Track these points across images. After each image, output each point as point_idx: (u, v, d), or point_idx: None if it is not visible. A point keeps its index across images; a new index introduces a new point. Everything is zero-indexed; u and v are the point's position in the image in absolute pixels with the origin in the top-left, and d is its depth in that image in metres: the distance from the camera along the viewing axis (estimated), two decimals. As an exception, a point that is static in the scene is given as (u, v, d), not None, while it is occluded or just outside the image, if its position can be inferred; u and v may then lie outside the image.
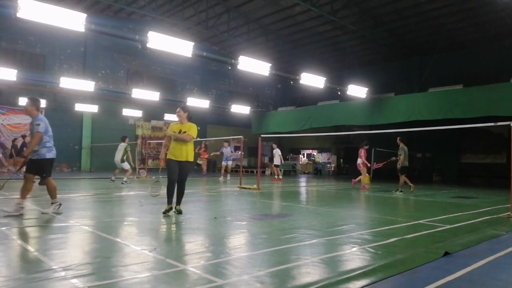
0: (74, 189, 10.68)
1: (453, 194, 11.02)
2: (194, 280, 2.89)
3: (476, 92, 14.66)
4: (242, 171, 15.16)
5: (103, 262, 3.31)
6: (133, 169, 14.24)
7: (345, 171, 27.43)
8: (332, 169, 28.08)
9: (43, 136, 5.77)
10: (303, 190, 13.32)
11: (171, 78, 25.12)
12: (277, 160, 17.41)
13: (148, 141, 21.63)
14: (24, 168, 5.91)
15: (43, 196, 7.39)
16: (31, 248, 3.72)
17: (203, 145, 20.13)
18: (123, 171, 12.99)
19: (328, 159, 30.52)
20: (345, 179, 21.33)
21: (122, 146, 12.89)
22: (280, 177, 17.70)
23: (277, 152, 17.36)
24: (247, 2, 19.52)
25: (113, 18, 21.32)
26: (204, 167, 20.62)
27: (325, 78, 16.84)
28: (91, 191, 10.15)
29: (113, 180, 13.00)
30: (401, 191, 11.26)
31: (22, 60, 19.35)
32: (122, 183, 12.48)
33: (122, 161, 12.83)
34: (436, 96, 15.81)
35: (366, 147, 13.34)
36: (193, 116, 6.63)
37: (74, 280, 2.77)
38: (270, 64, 14.88)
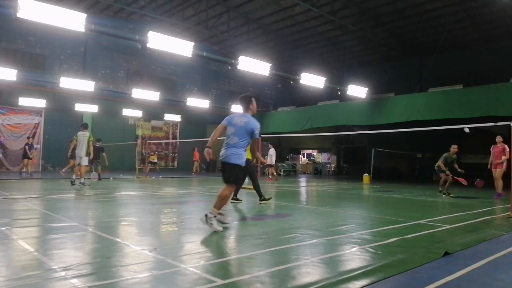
0: (74, 189, 10.66)
1: (453, 194, 10.99)
2: (194, 280, 2.88)
3: (476, 92, 14.65)
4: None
5: (103, 262, 3.31)
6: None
7: (345, 171, 27.45)
8: (332, 169, 28.08)
9: None
10: (303, 190, 13.32)
11: (171, 78, 25.12)
12: (270, 159, 17.64)
13: (148, 141, 21.67)
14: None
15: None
16: (31, 248, 3.72)
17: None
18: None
19: (328, 159, 30.51)
20: (345, 179, 21.33)
21: (85, 136, 11.07)
22: (272, 176, 17.94)
23: (270, 152, 17.66)
24: (247, 2, 19.52)
25: (113, 18, 21.31)
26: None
27: (325, 78, 16.84)
28: (91, 191, 10.14)
29: (82, 183, 11.12)
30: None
31: (22, 60, 19.35)
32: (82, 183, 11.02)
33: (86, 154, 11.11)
34: (436, 96, 15.80)
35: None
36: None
37: (74, 280, 2.76)
38: (270, 64, 14.89)
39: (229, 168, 4.90)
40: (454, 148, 10.70)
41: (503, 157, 9.85)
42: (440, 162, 10.59)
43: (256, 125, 4.96)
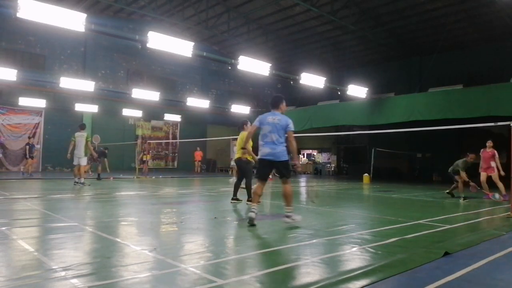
0: (74, 189, 10.66)
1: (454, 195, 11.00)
2: (194, 280, 2.88)
3: (476, 92, 14.65)
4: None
5: (103, 262, 3.31)
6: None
7: (345, 171, 27.43)
8: (332, 169, 28.06)
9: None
10: (303, 190, 13.32)
11: (171, 78, 25.12)
12: None
13: (148, 141, 21.68)
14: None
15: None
16: (31, 248, 3.72)
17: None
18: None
19: (328, 159, 30.51)
20: (345, 179, 21.33)
21: (83, 137, 10.93)
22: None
23: None
24: (247, 2, 19.53)
25: (113, 18, 21.32)
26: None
27: (325, 78, 16.84)
28: (91, 191, 10.14)
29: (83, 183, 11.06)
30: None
31: (22, 60, 19.35)
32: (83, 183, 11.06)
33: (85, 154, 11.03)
34: (436, 96, 15.80)
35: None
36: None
37: (74, 280, 2.77)
38: (270, 64, 14.88)
39: (281, 165, 5.37)
40: (472, 156, 10.07)
41: (492, 163, 9.82)
42: (462, 173, 9.93)
43: (288, 120, 5.39)
